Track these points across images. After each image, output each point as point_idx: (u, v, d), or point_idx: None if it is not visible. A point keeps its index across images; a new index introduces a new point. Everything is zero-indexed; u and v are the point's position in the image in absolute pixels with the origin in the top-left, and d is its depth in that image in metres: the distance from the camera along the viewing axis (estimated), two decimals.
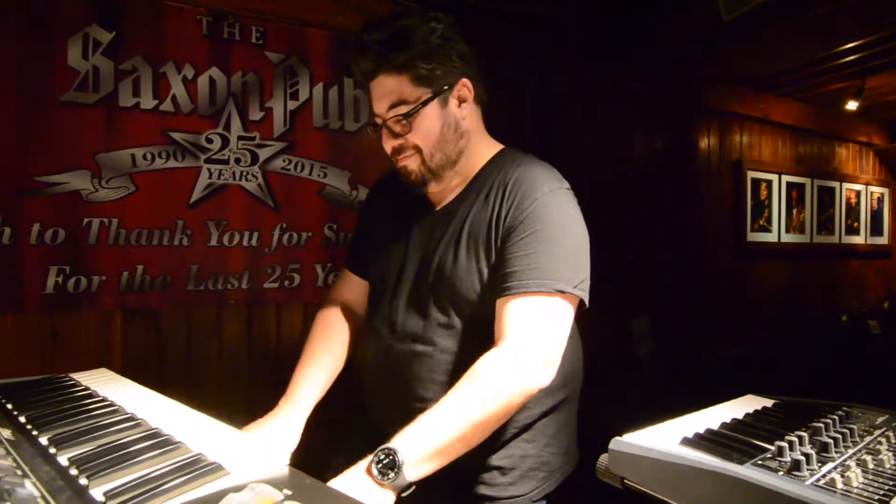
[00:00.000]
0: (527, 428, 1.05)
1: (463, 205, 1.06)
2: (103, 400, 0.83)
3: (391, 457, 0.82)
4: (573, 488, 1.12)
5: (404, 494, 0.84)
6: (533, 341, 0.92)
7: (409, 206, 1.13)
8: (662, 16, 2.77)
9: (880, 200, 4.56)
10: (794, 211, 3.83)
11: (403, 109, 0.98)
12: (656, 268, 2.91)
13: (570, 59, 2.63)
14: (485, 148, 1.10)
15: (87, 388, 0.90)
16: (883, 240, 4.58)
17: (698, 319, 3.16)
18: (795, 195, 3.84)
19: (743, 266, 3.51)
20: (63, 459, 0.60)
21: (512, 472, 1.03)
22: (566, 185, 1.05)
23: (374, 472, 0.81)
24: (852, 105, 3.28)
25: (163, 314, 1.81)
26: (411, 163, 1.03)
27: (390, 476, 0.81)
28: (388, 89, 0.99)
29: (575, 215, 1.02)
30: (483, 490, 1.03)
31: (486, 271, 0.99)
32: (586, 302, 1.00)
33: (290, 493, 0.51)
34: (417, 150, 1.02)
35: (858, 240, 4.37)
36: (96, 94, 1.70)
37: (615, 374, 2.56)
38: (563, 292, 0.94)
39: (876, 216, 4.51)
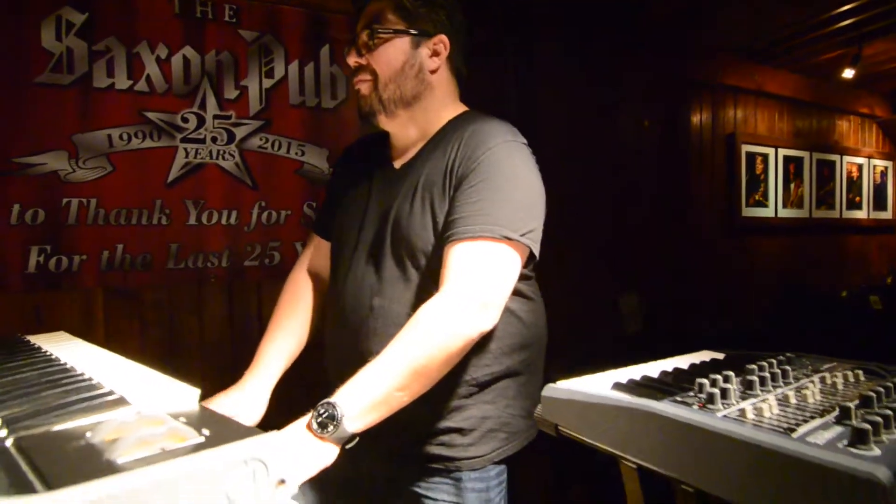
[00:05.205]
0: (485, 387, 1.05)
1: (420, 160, 1.08)
2: (37, 350, 0.84)
3: (330, 410, 0.82)
4: (537, 455, 1.12)
5: (348, 446, 0.85)
6: (472, 285, 0.92)
7: (372, 166, 1.15)
8: None
9: (884, 174, 4.47)
10: (792, 185, 3.77)
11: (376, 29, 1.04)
12: (650, 244, 2.89)
13: (556, 32, 2.59)
14: (451, 111, 1.12)
15: (27, 342, 0.91)
16: (887, 214, 4.49)
17: (692, 295, 3.14)
18: (793, 169, 3.77)
19: (738, 241, 3.47)
20: None
21: (472, 433, 1.03)
22: (522, 139, 1.06)
23: (314, 426, 0.82)
24: (849, 73, 3.20)
25: (144, 292, 1.84)
26: (364, 87, 1.07)
27: (329, 429, 0.81)
28: (371, 11, 1.05)
29: (528, 167, 1.03)
30: (442, 451, 1.02)
31: (440, 221, 0.99)
32: (536, 253, 1.01)
33: (185, 420, 0.52)
34: (374, 75, 1.06)
35: (861, 214, 4.28)
36: (71, 75, 1.72)
37: (605, 349, 2.56)
38: (509, 239, 0.94)
39: (879, 190, 4.42)
